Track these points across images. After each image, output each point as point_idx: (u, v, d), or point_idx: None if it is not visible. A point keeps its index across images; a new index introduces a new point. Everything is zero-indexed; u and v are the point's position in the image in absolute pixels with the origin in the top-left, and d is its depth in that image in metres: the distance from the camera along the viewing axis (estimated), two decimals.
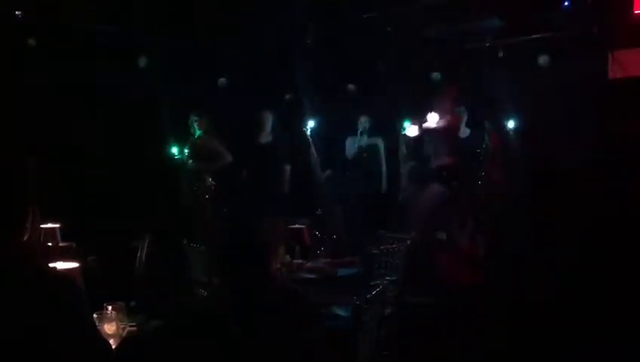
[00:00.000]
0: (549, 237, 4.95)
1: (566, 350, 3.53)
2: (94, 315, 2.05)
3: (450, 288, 4.67)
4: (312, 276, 3.83)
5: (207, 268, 3.72)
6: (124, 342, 2.08)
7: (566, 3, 5.77)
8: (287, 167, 6.27)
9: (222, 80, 6.94)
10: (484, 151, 5.95)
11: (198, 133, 6.07)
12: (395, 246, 4.03)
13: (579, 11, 5.66)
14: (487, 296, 4.31)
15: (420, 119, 5.68)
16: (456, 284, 4.70)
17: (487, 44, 6.29)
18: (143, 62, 6.30)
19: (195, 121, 6.06)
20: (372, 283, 3.63)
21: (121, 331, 2.16)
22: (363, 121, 6.41)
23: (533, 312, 3.97)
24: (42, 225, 3.87)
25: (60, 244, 3.92)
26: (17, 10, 5.55)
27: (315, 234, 5.23)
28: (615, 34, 5.54)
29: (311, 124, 6.41)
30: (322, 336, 2.04)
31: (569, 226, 4.97)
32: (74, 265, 3.08)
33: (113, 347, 2.02)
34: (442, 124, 5.65)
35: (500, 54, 6.28)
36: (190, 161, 6.03)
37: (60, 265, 2.91)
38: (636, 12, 5.40)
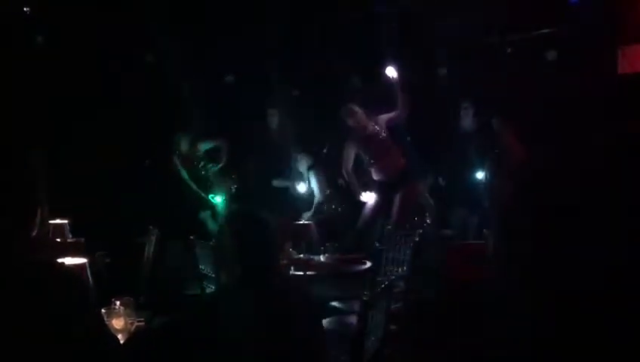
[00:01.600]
0: (557, 236, 4.93)
1: (572, 347, 3.52)
2: (103, 310, 2.07)
3: (455, 284, 4.67)
4: (318, 272, 3.84)
5: (215, 263, 3.73)
6: (132, 337, 2.10)
7: None
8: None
9: (229, 77, 6.95)
10: (498, 148, 5.90)
11: (186, 147, 5.94)
12: (402, 242, 4.02)
13: (588, 6, 5.62)
14: (493, 292, 4.30)
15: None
16: (461, 280, 4.71)
17: (495, 40, 6.27)
18: (150, 59, 6.32)
19: (182, 137, 5.92)
20: (379, 279, 3.63)
21: (129, 326, 2.17)
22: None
23: (538, 310, 3.95)
24: (51, 221, 3.89)
25: (69, 240, 3.94)
26: (25, 7, 5.59)
27: (322, 230, 5.24)
28: (624, 29, 5.50)
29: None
30: (325, 333, 2.04)
31: (577, 225, 4.94)
32: (82, 260, 3.10)
33: (121, 342, 2.03)
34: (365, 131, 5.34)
35: (508, 50, 6.25)
36: (209, 166, 6.02)
37: (69, 261, 2.93)
38: None
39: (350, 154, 5.39)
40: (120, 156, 5.86)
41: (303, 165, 5.99)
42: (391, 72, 5.29)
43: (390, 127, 5.44)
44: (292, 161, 6.02)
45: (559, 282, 4.35)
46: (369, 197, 5.35)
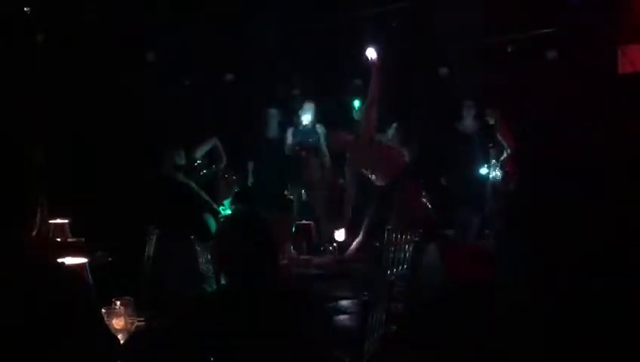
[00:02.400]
0: (558, 234, 4.92)
1: (573, 346, 3.52)
2: (103, 310, 2.06)
3: (456, 284, 4.66)
4: (319, 272, 3.84)
5: (215, 263, 3.72)
6: (132, 337, 2.09)
7: None
8: (294, 163, 6.28)
9: (229, 76, 6.95)
10: (498, 146, 5.89)
11: (182, 160, 5.74)
12: (403, 241, 4.01)
13: (588, 6, 5.62)
14: (496, 292, 4.30)
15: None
16: (462, 280, 4.70)
17: (496, 39, 6.27)
18: (151, 58, 6.32)
19: (173, 153, 5.67)
20: (380, 279, 3.63)
21: (129, 326, 2.17)
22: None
23: (540, 310, 3.95)
24: (51, 221, 3.89)
25: (69, 240, 3.94)
26: (26, 7, 5.60)
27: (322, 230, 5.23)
28: (625, 28, 5.50)
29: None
30: (325, 333, 2.04)
31: (578, 225, 4.94)
32: (82, 260, 3.10)
33: (122, 342, 2.03)
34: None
35: (509, 49, 6.25)
36: (213, 169, 6.00)
37: (69, 261, 2.92)
38: None
39: (352, 180, 5.23)
40: (120, 156, 5.86)
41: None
42: (370, 52, 4.78)
43: (374, 123, 4.90)
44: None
45: (561, 281, 4.35)
46: (341, 236, 4.92)
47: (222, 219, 5.64)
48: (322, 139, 6.05)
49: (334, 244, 4.38)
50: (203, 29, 6.29)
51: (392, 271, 3.92)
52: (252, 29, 6.25)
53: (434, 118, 6.31)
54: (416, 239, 3.90)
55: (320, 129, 6.10)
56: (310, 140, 6.06)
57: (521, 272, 4.64)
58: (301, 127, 6.12)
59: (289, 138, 6.12)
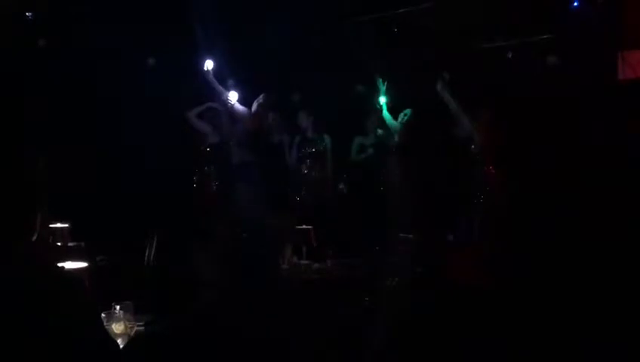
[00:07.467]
0: (555, 241, 4.92)
1: (575, 350, 3.52)
2: (103, 315, 2.07)
3: (456, 287, 4.66)
4: (319, 277, 3.84)
5: (216, 266, 3.73)
6: (132, 342, 2.10)
7: (575, 3, 5.74)
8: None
9: (230, 81, 6.95)
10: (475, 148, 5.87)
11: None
12: (403, 246, 4.02)
13: (588, 11, 5.63)
14: (498, 297, 4.30)
15: None
16: (463, 284, 4.70)
17: (496, 44, 6.28)
18: (151, 62, 6.33)
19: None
20: (380, 284, 3.63)
21: (129, 330, 2.17)
22: (372, 120, 6.35)
23: (540, 313, 3.95)
24: (52, 225, 3.90)
25: (69, 244, 3.94)
26: (28, 12, 5.63)
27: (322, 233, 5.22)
28: (625, 34, 5.51)
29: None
30: (326, 336, 2.04)
31: (576, 228, 4.94)
32: (83, 264, 3.11)
33: (121, 346, 2.03)
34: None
35: (509, 54, 6.26)
36: None
37: (69, 265, 2.93)
38: None
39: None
40: (121, 159, 5.87)
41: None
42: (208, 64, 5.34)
43: None
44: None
45: (559, 285, 4.34)
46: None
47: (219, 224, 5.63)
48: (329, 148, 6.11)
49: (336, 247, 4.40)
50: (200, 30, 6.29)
51: (392, 275, 3.93)
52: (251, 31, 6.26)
53: (432, 124, 6.31)
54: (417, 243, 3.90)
55: (327, 138, 6.12)
56: (314, 149, 6.08)
57: (521, 276, 4.63)
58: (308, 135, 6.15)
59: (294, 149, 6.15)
